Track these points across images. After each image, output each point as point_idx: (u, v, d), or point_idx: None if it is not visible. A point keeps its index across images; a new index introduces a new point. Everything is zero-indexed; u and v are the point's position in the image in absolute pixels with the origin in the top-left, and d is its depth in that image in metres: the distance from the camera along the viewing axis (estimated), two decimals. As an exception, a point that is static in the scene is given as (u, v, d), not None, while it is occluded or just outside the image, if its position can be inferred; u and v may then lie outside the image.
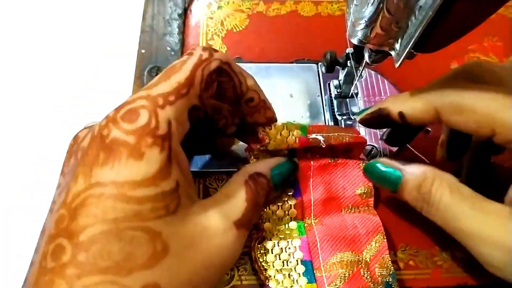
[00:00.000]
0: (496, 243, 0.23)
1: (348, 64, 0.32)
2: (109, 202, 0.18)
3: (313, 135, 0.30)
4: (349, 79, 0.33)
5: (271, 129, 0.29)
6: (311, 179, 0.31)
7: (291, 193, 0.30)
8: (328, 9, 0.43)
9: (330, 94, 0.37)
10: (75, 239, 0.17)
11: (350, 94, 0.35)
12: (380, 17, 0.22)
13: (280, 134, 0.29)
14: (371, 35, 0.24)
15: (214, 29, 0.41)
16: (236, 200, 0.24)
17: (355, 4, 0.24)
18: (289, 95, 0.37)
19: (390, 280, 0.27)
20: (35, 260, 0.18)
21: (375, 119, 0.29)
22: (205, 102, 0.23)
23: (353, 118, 0.35)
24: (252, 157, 0.30)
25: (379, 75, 0.39)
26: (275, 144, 0.29)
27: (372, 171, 0.29)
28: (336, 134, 0.30)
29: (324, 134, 0.30)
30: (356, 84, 0.34)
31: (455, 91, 0.25)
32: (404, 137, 0.32)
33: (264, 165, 0.27)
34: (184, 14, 0.41)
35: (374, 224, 0.29)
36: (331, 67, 0.33)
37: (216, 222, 0.22)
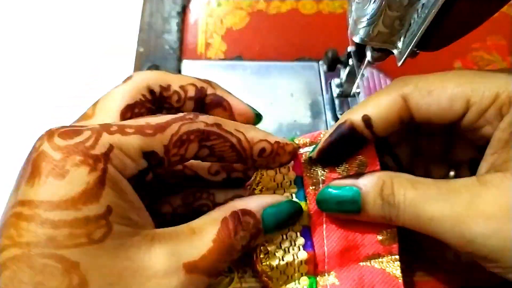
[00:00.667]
0: (489, 215, 0.19)
1: (350, 63, 0.32)
2: (24, 223, 0.16)
3: (305, 149, 0.26)
4: (351, 78, 0.33)
5: (264, 175, 0.25)
6: (324, 225, 0.26)
7: (301, 244, 0.26)
8: (329, 7, 0.43)
9: (332, 93, 0.36)
10: None
11: (351, 93, 0.35)
12: (382, 15, 0.22)
13: (274, 180, 0.25)
14: (373, 33, 0.23)
15: (214, 27, 0.40)
16: (199, 237, 0.20)
17: (356, 2, 0.24)
18: (290, 94, 0.37)
19: None
20: None
21: (337, 144, 0.24)
22: (170, 159, 0.21)
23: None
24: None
25: (381, 74, 0.38)
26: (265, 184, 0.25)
27: (326, 199, 0.24)
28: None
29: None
30: (357, 83, 0.33)
31: (419, 77, 0.23)
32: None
33: (256, 202, 0.23)
34: (183, 12, 0.41)
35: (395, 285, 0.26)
36: (333, 65, 0.33)
37: (159, 260, 0.19)
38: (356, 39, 0.25)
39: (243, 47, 0.39)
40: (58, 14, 0.43)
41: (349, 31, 0.26)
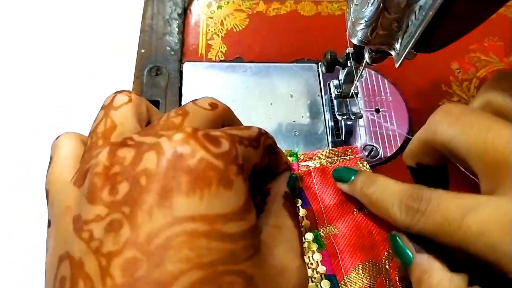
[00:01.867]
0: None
1: (348, 64, 0.32)
2: (203, 241, 0.15)
3: (304, 163, 0.31)
4: (349, 79, 0.33)
5: None
6: (315, 186, 0.31)
7: (299, 204, 0.30)
8: (328, 8, 0.43)
9: (330, 94, 0.37)
10: None
11: (350, 94, 0.35)
12: (380, 17, 0.22)
13: None
14: (372, 35, 0.24)
15: (214, 29, 0.40)
16: (288, 230, 0.22)
17: (355, 4, 0.24)
18: (289, 95, 0.37)
19: (410, 285, 0.26)
20: None
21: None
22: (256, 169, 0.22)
23: (353, 118, 0.35)
24: None
25: (379, 75, 0.39)
26: None
27: (391, 242, 0.26)
28: (329, 159, 0.31)
29: (317, 161, 0.31)
30: (356, 84, 0.33)
31: None
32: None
33: (283, 181, 0.25)
34: (184, 13, 0.41)
35: (388, 229, 0.28)
36: (331, 67, 0.33)
37: (287, 261, 0.20)
38: (355, 40, 0.25)
39: (243, 48, 0.40)
40: (59, 15, 0.44)
41: (347, 33, 0.26)
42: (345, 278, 0.28)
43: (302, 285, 0.20)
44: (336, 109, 0.35)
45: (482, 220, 0.20)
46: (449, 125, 0.23)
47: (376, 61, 0.29)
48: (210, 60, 0.39)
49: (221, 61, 0.39)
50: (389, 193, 0.26)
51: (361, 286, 0.27)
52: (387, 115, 0.37)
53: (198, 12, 0.42)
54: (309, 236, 0.29)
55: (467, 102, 0.38)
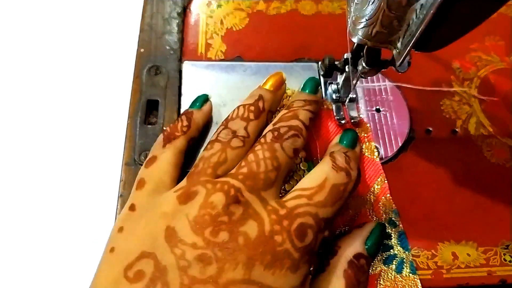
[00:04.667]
0: None
1: (346, 69, 0.32)
2: None
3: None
4: (347, 84, 0.33)
5: None
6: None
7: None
8: (329, 7, 0.43)
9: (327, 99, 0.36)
10: None
11: (348, 99, 0.35)
12: (381, 16, 0.22)
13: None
14: (372, 34, 0.24)
15: (214, 28, 0.40)
16: None
17: (355, 3, 0.24)
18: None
19: (393, 217, 0.31)
20: None
21: None
22: None
23: (351, 122, 0.35)
24: None
25: (379, 74, 0.38)
26: None
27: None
28: None
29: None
30: (355, 89, 0.33)
31: None
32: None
33: (359, 241, 0.26)
34: (184, 13, 0.41)
35: (375, 168, 0.32)
36: (329, 72, 0.33)
37: None
38: (355, 39, 0.25)
39: (243, 47, 0.40)
40: (58, 14, 0.44)
41: (348, 32, 0.26)
42: None
43: None
44: (334, 114, 0.35)
45: None
46: None
47: (369, 75, 0.31)
48: (209, 60, 0.39)
49: (221, 60, 0.39)
50: None
51: (346, 216, 0.30)
52: (387, 115, 0.37)
53: (197, 11, 0.41)
54: (303, 166, 0.32)
55: (468, 102, 0.38)
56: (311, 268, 0.23)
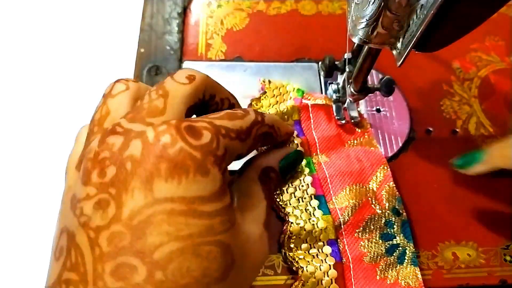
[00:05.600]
0: None
1: (347, 69, 0.32)
2: (181, 218, 0.17)
3: (306, 101, 0.35)
4: (348, 83, 0.33)
5: (271, 82, 0.35)
6: (311, 120, 0.34)
7: (295, 134, 0.32)
8: (329, 8, 0.43)
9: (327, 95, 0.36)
10: (148, 257, 0.16)
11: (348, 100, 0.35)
12: (381, 16, 0.22)
13: (279, 89, 0.35)
14: (372, 34, 0.23)
15: (214, 28, 0.40)
16: (257, 201, 0.24)
17: (356, 3, 0.24)
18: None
19: (397, 205, 0.31)
20: (72, 280, 0.17)
21: None
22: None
23: (351, 123, 0.35)
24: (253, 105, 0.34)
25: (380, 74, 0.38)
26: (270, 97, 0.35)
27: (459, 161, 0.30)
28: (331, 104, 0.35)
29: (318, 101, 0.35)
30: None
31: None
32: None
33: (273, 158, 0.27)
34: (184, 13, 0.41)
35: (377, 157, 0.33)
36: (330, 72, 0.34)
37: (253, 228, 0.22)
38: (356, 40, 0.25)
39: (243, 47, 0.40)
40: (59, 14, 0.44)
41: (348, 32, 0.26)
42: (333, 199, 0.31)
43: (263, 253, 0.22)
44: (335, 114, 0.35)
45: None
46: None
47: (357, 99, 0.33)
48: (210, 60, 0.39)
49: (221, 60, 0.39)
50: None
51: (347, 205, 0.30)
52: (388, 115, 0.37)
53: (198, 11, 0.41)
54: (314, 203, 0.31)
55: (468, 102, 0.38)
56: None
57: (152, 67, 0.37)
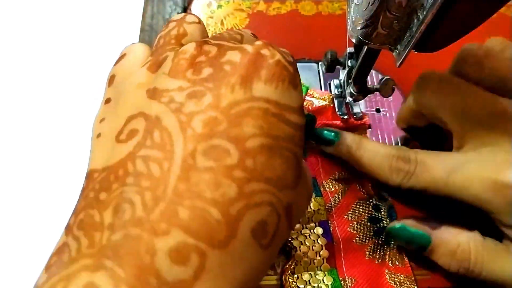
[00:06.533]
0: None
1: (349, 64, 0.32)
2: (274, 119, 0.18)
3: (310, 98, 0.35)
4: (349, 78, 0.33)
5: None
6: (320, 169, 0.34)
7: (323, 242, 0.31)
8: (329, 8, 0.43)
9: (331, 93, 0.36)
10: (241, 144, 0.17)
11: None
12: (381, 16, 0.22)
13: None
14: (372, 35, 0.24)
15: (214, 29, 0.40)
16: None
17: (355, 3, 0.24)
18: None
19: (383, 191, 0.32)
20: (153, 157, 0.16)
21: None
22: None
23: (354, 118, 0.35)
24: None
25: (379, 74, 0.38)
26: None
27: (398, 235, 0.29)
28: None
29: (320, 101, 0.35)
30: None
31: None
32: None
33: None
34: (184, 13, 0.41)
35: None
36: (332, 66, 0.33)
37: (308, 172, 0.23)
38: (355, 40, 0.25)
39: (243, 48, 0.40)
40: (59, 14, 0.44)
41: (348, 33, 0.26)
42: (323, 182, 0.33)
43: (310, 186, 0.22)
44: (336, 109, 0.35)
45: (466, 176, 0.26)
46: (431, 95, 0.28)
47: (357, 100, 0.33)
48: (210, 60, 0.39)
49: (221, 60, 0.39)
50: (378, 157, 0.29)
51: (336, 189, 0.32)
52: (387, 115, 0.37)
53: (198, 11, 0.41)
54: (327, 280, 0.30)
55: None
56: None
57: (152, 68, 0.37)
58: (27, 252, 0.32)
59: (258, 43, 0.19)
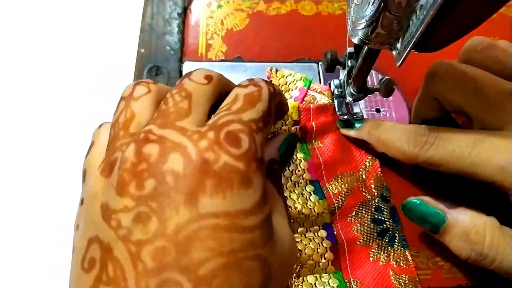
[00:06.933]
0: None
1: (349, 64, 0.32)
2: (225, 234, 0.17)
3: (313, 93, 0.36)
4: (350, 78, 0.33)
5: (278, 71, 0.36)
6: (311, 116, 0.35)
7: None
8: (329, 8, 0.43)
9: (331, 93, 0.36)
10: (193, 274, 0.16)
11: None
12: (381, 17, 0.22)
13: (285, 78, 0.36)
14: (372, 35, 0.24)
15: (214, 29, 0.40)
16: (274, 201, 0.23)
17: (355, 4, 0.24)
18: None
19: (385, 193, 0.32)
20: None
21: None
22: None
23: (354, 118, 0.35)
24: None
25: (379, 74, 0.38)
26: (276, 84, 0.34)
27: (414, 209, 0.28)
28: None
29: (322, 97, 0.35)
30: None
31: None
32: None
33: (272, 147, 0.26)
34: (184, 13, 0.41)
35: (366, 149, 0.34)
36: (332, 66, 0.33)
37: (283, 231, 0.21)
38: (355, 40, 0.25)
39: (243, 48, 0.40)
40: (59, 15, 0.44)
41: (348, 33, 0.26)
42: (326, 185, 0.32)
43: (295, 254, 0.22)
44: (336, 109, 0.35)
45: (490, 148, 0.25)
46: (444, 80, 0.28)
47: (357, 100, 0.33)
48: (210, 60, 0.39)
49: (221, 60, 0.39)
50: (397, 131, 0.29)
51: (339, 191, 0.32)
52: (387, 115, 0.37)
53: (198, 11, 0.41)
54: (309, 188, 0.32)
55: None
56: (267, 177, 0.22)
57: (152, 67, 0.37)
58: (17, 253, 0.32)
59: (202, 143, 0.18)
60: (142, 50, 0.38)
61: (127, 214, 0.18)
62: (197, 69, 0.23)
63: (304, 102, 0.35)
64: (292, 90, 0.36)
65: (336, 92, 0.35)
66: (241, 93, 0.22)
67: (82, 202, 0.21)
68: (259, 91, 0.22)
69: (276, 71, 0.37)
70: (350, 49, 0.32)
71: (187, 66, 0.38)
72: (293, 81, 0.36)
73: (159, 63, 0.38)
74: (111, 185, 0.19)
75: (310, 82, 0.36)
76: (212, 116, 0.21)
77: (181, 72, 0.38)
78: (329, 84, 0.37)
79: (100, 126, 0.25)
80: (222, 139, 0.18)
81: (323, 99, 0.35)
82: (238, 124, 0.19)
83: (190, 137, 0.19)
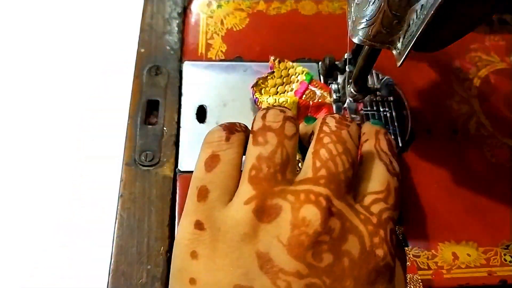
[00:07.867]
0: None
1: (347, 69, 0.32)
2: None
3: (313, 88, 0.36)
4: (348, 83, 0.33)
5: (281, 62, 0.36)
6: (309, 113, 0.35)
7: None
8: (329, 7, 0.43)
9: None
10: None
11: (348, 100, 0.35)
12: (381, 16, 0.22)
13: (287, 70, 0.36)
14: (372, 34, 0.24)
15: (214, 28, 0.40)
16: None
17: (356, 3, 0.24)
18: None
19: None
20: None
21: None
22: None
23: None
24: (257, 93, 0.35)
25: (379, 74, 0.38)
26: (277, 77, 0.36)
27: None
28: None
29: (323, 92, 0.35)
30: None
31: None
32: None
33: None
34: (184, 13, 0.41)
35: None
36: (330, 72, 0.34)
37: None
38: (356, 40, 0.25)
39: (243, 47, 0.40)
40: (59, 15, 0.44)
41: (349, 32, 0.26)
42: None
43: None
44: (334, 113, 0.35)
45: None
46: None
47: (357, 100, 0.33)
48: (210, 60, 0.39)
49: (221, 60, 0.39)
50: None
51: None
52: (388, 115, 0.37)
53: (198, 11, 0.41)
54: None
55: (468, 102, 0.38)
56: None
57: (152, 67, 0.37)
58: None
59: (375, 240, 0.20)
60: (142, 50, 0.38)
61: (299, 281, 0.18)
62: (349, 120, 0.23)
63: (304, 97, 0.35)
64: (294, 82, 0.36)
65: (334, 96, 0.35)
66: (391, 185, 0.22)
67: (201, 227, 0.19)
68: (400, 189, 0.23)
69: (279, 62, 0.37)
70: (348, 55, 0.32)
71: (187, 66, 0.38)
72: (295, 74, 0.36)
73: (159, 63, 0.38)
74: (276, 237, 0.18)
75: (312, 77, 0.36)
76: (370, 201, 0.21)
77: (180, 72, 0.38)
78: (329, 84, 0.37)
79: (216, 132, 0.23)
80: (389, 240, 0.20)
81: (323, 95, 0.35)
82: (392, 223, 0.21)
83: (366, 225, 0.20)
